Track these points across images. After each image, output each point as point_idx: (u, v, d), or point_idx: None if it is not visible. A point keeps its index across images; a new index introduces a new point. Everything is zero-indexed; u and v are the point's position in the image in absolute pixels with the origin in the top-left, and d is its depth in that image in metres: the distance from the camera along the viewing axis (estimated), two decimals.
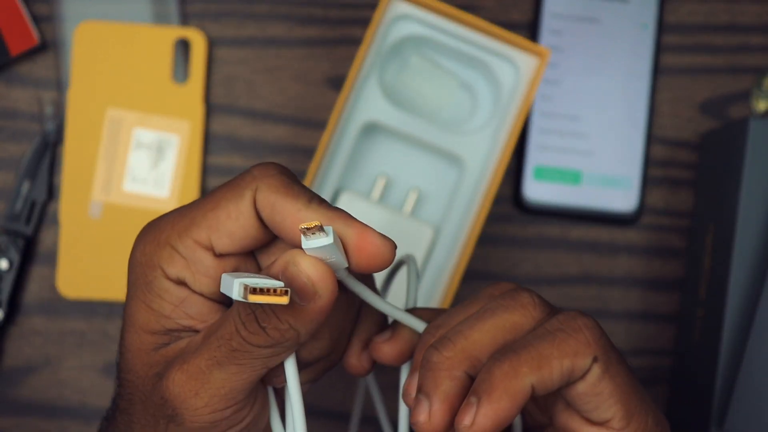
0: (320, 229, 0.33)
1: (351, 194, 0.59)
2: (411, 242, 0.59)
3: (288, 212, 0.34)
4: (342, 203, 0.59)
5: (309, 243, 0.33)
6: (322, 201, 0.35)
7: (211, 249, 0.35)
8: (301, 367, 0.37)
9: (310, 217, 0.34)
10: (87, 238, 0.62)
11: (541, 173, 0.63)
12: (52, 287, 0.63)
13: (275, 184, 0.35)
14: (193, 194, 0.63)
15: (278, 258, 0.34)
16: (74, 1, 0.64)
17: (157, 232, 0.36)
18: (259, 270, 0.37)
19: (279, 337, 0.33)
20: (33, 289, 0.64)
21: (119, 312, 0.63)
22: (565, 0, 0.64)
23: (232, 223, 0.35)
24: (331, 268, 0.34)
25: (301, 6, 0.65)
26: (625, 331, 0.64)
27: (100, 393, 0.63)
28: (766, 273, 0.55)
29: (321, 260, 0.33)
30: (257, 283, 0.31)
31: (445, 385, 0.35)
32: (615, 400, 0.34)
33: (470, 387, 0.35)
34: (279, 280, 0.33)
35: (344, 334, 0.38)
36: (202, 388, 0.34)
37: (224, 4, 0.65)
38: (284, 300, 0.31)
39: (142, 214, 0.63)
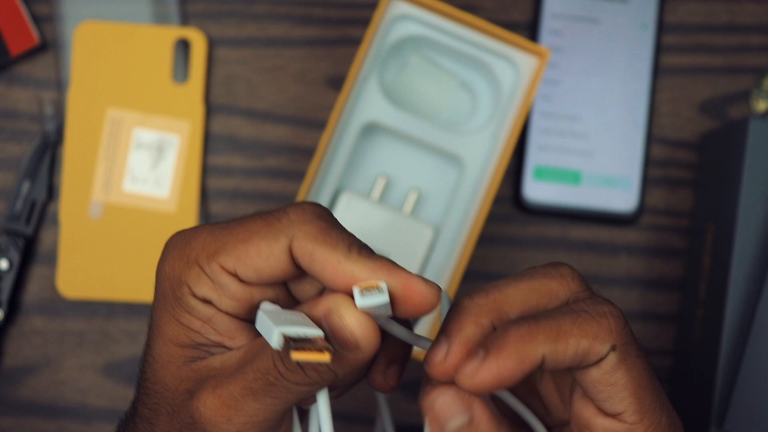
0: (373, 287, 0.33)
1: (351, 194, 0.59)
2: (411, 242, 0.59)
3: (328, 263, 0.34)
4: (342, 203, 0.59)
5: (364, 301, 0.33)
6: (362, 248, 0.34)
7: (236, 276, 0.35)
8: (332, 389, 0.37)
9: (352, 269, 0.33)
10: (87, 238, 0.62)
11: (541, 173, 0.63)
12: (52, 287, 0.63)
13: (313, 232, 0.34)
14: (193, 194, 0.63)
15: (320, 301, 0.33)
16: (74, 2, 0.64)
17: (187, 249, 0.35)
18: (290, 298, 0.37)
19: (317, 377, 0.33)
20: (33, 289, 0.64)
21: (119, 312, 0.63)
22: (565, 0, 0.64)
23: (262, 262, 0.34)
24: (376, 319, 0.34)
25: (301, 6, 0.65)
26: None
27: (99, 393, 0.63)
28: (765, 273, 0.55)
29: (366, 314, 0.33)
30: (298, 334, 0.31)
31: (469, 329, 0.34)
32: (629, 393, 0.34)
33: None
34: (320, 324, 0.33)
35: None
36: (235, 415, 0.34)
37: (224, 4, 0.65)
38: (326, 358, 0.31)
39: (143, 214, 0.63)
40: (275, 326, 0.31)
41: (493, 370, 0.33)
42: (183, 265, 0.35)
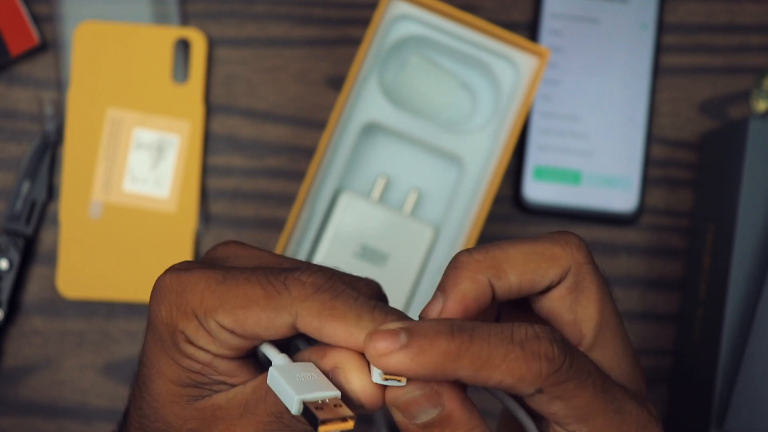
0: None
1: (351, 194, 0.59)
2: (411, 242, 0.59)
3: (339, 337, 0.33)
4: (342, 203, 0.59)
5: (384, 381, 0.33)
6: (373, 309, 0.34)
7: (234, 332, 0.34)
8: None
9: (362, 340, 0.33)
10: (87, 238, 0.62)
11: (541, 173, 0.63)
12: (52, 287, 0.63)
13: (317, 308, 0.33)
14: (193, 194, 0.63)
15: (327, 354, 0.33)
16: (74, 2, 0.64)
17: (183, 299, 0.34)
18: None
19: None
20: (33, 289, 0.64)
21: (119, 312, 0.63)
22: (565, 0, 0.64)
23: (261, 331, 0.34)
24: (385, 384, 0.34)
25: (301, 6, 0.65)
26: None
27: (99, 393, 0.63)
28: (765, 273, 0.55)
29: (371, 381, 0.33)
30: (316, 399, 0.31)
31: (465, 285, 0.34)
32: (573, 420, 0.33)
33: (491, 297, 0.34)
34: (329, 372, 0.33)
35: None
36: None
37: (224, 4, 0.65)
38: (350, 426, 0.31)
39: (143, 214, 0.63)
40: (295, 394, 0.31)
41: (403, 363, 0.31)
42: (180, 315, 0.34)
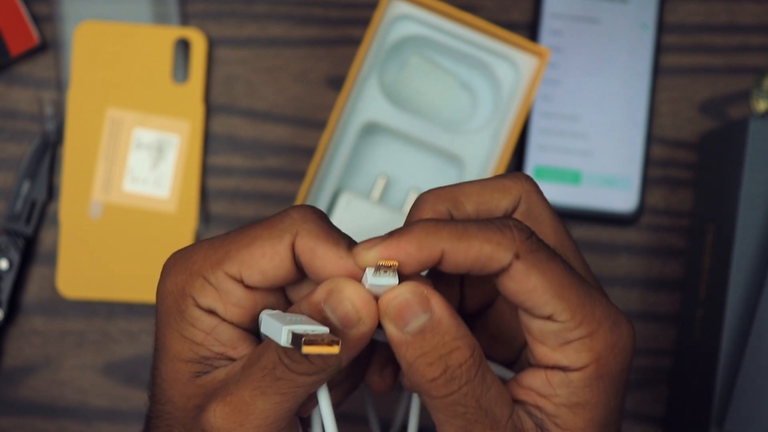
0: (388, 269, 0.34)
1: (351, 194, 0.59)
2: None
3: (329, 259, 0.35)
4: (342, 203, 0.59)
5: (376, 280, 0.34)
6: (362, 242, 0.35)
7: (241, 281, 0.36)
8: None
9: (353, 265, 0.35)
10: (87, 238, 0.62)
11: (541, 173, 0.63)
12: (52, 287, 0.63)
13: (315, 230, 0.35)
14: (193, 194, 0.63)
15: (320, 286, 0.35)
16: (74, 2, 0.64)
17: (189, 263, 0.36)
18: (287, 303, 0.38)
19: (322, 364, 0.34)
20: (33, 289, 0.64)
21: (119, 312, 0.63)
22: (565, 0, 0.64)
23: (267, 262, 0.35)
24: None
25: (301, 6, 0.65)
26: None
27: (99, 393, 0.63)
28: (765, 273, 0.55)
29: (366, 289, 0.34)
30: (305, 331, 0.32)
31: (426, 215, 0.36)
32: (551, 296, 0.34)
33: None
34: (321, 306, 0.34)
35: (364, 353, 0.38)
36: (247, 419, 0.34)
37: (224, 4, 0.65)
38: (336, 350, 0.32)
39: (143, 214, 0.63)
40: (283, 325, 0.32)
41: (392, 247, 0.34)
42: (186, 278, 0.36)
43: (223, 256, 0.36)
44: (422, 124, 0.59)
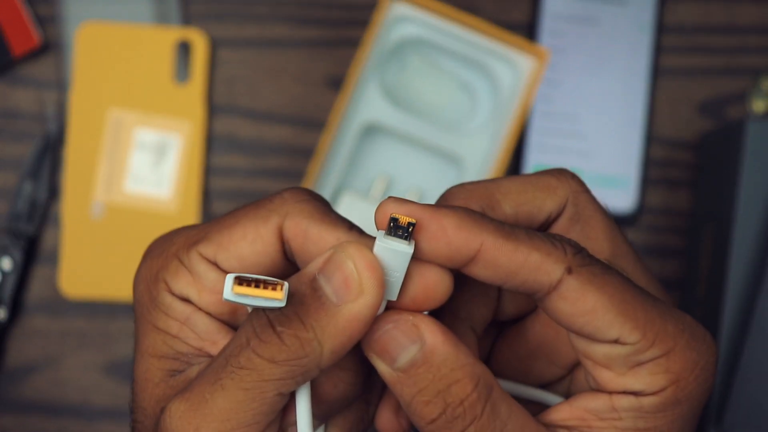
0: (405, 232, 0.28)
1: (351, 194, 0.59)
2: None
3: (326, 241, 0.30)
4: (342, 203, 0.59)
5: (386, 241, 0.28)
6: (363, 231, 0.31)
7: (215, 264, 0.32)
8: (325, 412, 0.32)
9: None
10: (89, 237, 0.63)
11: None
12: (54, 287, 0.64)
13: (309, 210, 0.31)
14: (194, 194, 0.63)
15: (315, 259, 0.29)
16: (76, 2, 0.64)
17: (167, 245, 0.32)
18: None
19: (296, 348, 0.28)
20: (35, 289, 0.64)
21: (121, 311, 0.64)
22: (564, 1, 0.64)
23: (246, 246, 0.31)
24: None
25: (302, 7, 0.65)
26: None
27: (101, 392, 0.63)
28: (764, 273, 0.56)
29: (374, 255, 0.28)
30: (252, 276, 0.27)
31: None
32: (614, 315, 0.29)
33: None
34: (315, 277, 0.29)
35: (377, 382, 0.33)
36: (204, 422, 0.28)
37: (225, 5, 0.65)
38: (278, 296, 0.26)
39: (144, 214, 0.63)
40: (231, 275, 0.27)
41: (426, 213, 0.28)
42: (161, 262, 0.32)
43: (201, 237, 0.31)
44: (422, 124, 0.59)
